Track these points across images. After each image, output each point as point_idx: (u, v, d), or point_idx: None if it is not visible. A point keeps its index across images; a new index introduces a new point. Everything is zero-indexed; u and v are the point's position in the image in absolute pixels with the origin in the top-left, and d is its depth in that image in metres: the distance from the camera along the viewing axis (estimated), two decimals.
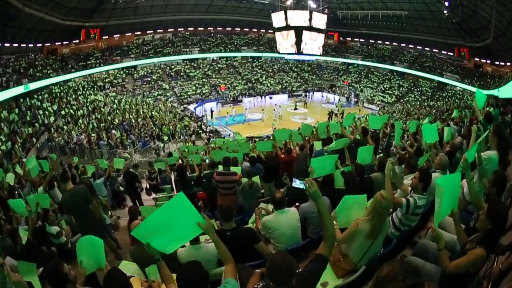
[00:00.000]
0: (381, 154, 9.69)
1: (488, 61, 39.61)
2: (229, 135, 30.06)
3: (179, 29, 51.08)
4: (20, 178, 10.96)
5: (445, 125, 12.62)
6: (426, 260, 4.01)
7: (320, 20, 34.23)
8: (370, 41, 53.29)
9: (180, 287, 2.82)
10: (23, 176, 11.11)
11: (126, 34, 46.40)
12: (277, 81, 51.53)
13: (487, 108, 14.17)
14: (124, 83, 44.62)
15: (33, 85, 29.14)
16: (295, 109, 42.91)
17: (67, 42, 39.31)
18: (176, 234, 3.39)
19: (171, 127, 29.58)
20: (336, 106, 42.78)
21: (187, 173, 9.73)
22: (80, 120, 26.81)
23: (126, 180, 12.07)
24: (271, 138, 16.50)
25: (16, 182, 10.36)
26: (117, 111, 31.91)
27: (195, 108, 42.13)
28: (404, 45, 49.69)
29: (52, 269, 3.64)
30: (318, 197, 3.07)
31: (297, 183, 3.43)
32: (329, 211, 4.31)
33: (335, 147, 8.61)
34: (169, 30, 50.13)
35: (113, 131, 25.49)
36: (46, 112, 26.47)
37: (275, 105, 37.89)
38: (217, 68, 51.14)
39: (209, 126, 34.66)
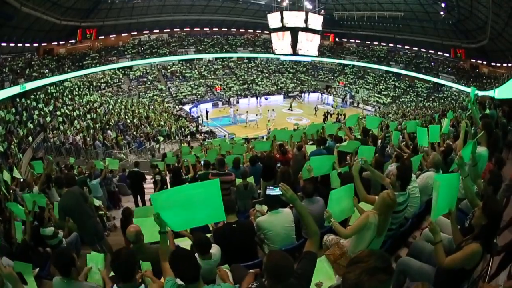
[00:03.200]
0: (376, 154, 9.73)
1: (484, 62, 39.75)
2: (225, 136, 30.00)
3: (175, 30, 51.07)
4: (16, 179, 10.89)
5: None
6: (421, 260, 4.02)
7: (316, 21, 34.37)
8: (366, 42, 53.41)
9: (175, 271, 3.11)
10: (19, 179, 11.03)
11: (122, 35, 46.38)
12: (272, 82, 51.49)
13: (487, 107, 14.19)
14: (120, 83, 44.50)
15: (29, 85, 29.06)
16: (290, 109, 42.89)
17: (64, 42, 39.23)
18: (191, 215, 3.44)
19: (166, 127, 29.51)
20: (333, 107, 42.81)
21: (183, 174, 9.71)
22: (76, 121, 26.77)
23: (131, 180, 12.02)
24: (268, 138, 16.51)
25: (12, 184, 10.31)
26: (113, 111, 31.88)
27: (190, 109, 42.10)
28: (400, 46, 49.79)
29: (61, 250, 3.77)
30: (295, 200, 3.13)
31: (276, 191, 3.45)
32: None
33: (346, 147, 8.62)
34: (165, 30, 50.10)
35: (109, 132, 25.45)
36: (42, 113, 26.39)
37: (272, 110, 37.22)
38: (212, 68, 51.05)
39: (205, 126, 34.52)
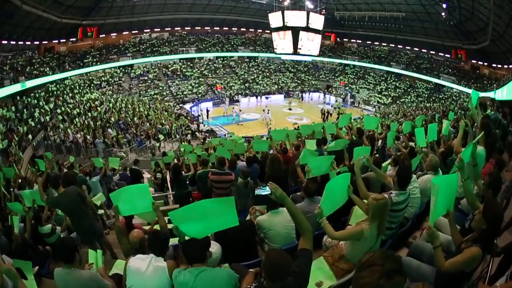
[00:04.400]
0: (377, 155, 9.70)
1: (485, 64, 39.71)
2: (225, 135, 29.96)
3: (176, 28, 50.97)
4: (16, 176, 10.91)
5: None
6: (421, 260, 4.00)
7: (317, 21, 34.31)
8: (367, 42, 53.33)
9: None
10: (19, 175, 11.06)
11: (123, 33, 46.34)
12: (273, 81, 51.46)
13: (489, 109, 14.13)
14: (121, 82, 44.49)
15: (30, 83, 29.09)
16: (289, 109, 42.89)
17: (64, 40, 39.22)
18: (208, 224, 3.71)
19: (167, 126, 29.48)
20: (334, 107, 42.60)
21: (183, 172, 9.68)
22: (76, 119, 26.78)
23: (132, 177, 12.04)
24: (268, 138, 16.45)
25: (12, 181, 10.32)
26: (113, 109, 31.86)
27: (191, 108, 42.05)
28: (401, 46, 49.71)
29: (63, 238, 3.91)
30: (284, 198, 3.19)
31: (265, 190, 3.38)
32: None
33: (334, 147, 8.58)
34: (166, 29, 50.01)
35: (109, 130, 25.45)
36: (42, 110, 26.40)
37: (267, 110, 36.63)
38: (213, 67, 51.05)
39: (205, 125, 34.50)
